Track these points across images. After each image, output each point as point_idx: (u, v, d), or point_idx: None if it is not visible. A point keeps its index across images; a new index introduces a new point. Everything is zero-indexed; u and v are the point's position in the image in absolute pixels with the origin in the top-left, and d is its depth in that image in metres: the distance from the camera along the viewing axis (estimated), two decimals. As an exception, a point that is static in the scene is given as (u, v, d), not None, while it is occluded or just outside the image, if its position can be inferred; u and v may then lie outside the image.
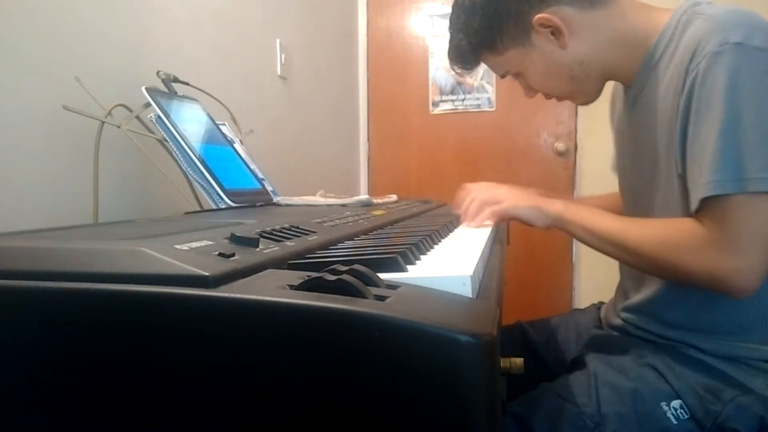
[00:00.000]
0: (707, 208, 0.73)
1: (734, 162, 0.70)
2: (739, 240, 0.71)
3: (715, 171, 0.71)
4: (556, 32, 0.87)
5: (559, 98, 0.97)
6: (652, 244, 0.78)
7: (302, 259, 0.51)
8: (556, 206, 0.87)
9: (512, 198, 0.91)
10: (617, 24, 0.86)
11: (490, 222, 0.91)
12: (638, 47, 0.86)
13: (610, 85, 1.01)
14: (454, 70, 1.01)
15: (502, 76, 0.98)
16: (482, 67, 1.00)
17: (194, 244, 0.45)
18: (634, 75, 0.88)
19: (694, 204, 0.74)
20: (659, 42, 0.83)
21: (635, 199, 0.95)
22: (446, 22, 0.98)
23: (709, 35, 0.73)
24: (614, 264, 0.98)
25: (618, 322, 0.97)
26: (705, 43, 0.73)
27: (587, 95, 0.94)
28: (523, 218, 0.89)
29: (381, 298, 0.36)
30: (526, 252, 2.47)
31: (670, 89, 0.80)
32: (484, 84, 2.60)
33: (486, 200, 0.91)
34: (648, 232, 0.79)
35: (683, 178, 0.78)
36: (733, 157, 0.70)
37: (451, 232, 0.85)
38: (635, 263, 0.83)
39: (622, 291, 1.01)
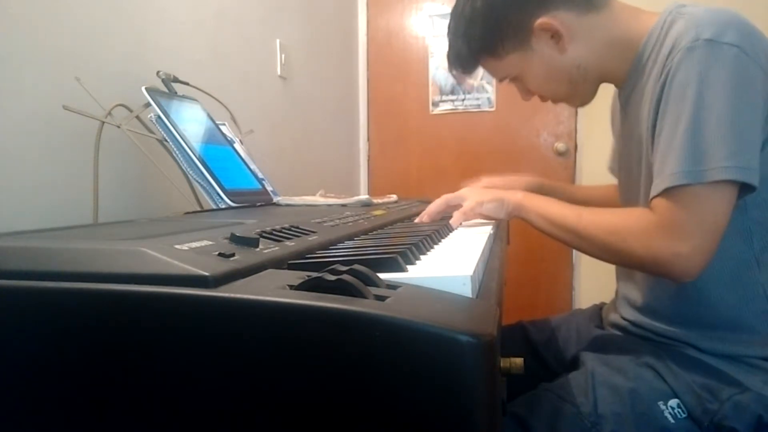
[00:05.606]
0: (667, 196, 0.75)
1: (698, 153, 0.72)
2: (685, 226, 0.73)
3: (680, 162, 0.73)
4: (555, 36, 0.90)
5: (555, 101, 0.99)
6: (602, 228, 0.81)
7: (302, 259, 0.51)
8: (516, 195, 0.91)
9: (475, 195, 0.94)
10: (611, 28, 0.89)
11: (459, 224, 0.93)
12: (629, 50, 0.88)
13: (611, 91, 1.02)
14: (452, 74, 1.03)
15: (501, 80, 1.00)
16: (482, 68, 1.01)
17: (194, 244, 0.45)
18: (626, 77, 0.90)
19: (654, 191, 0.76)
20: (647, 44, 0.86)
21: (628, 196, 0.96)
22: (446, 22, 0.99)
23: (685, 33, 0.76)
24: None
25: (618, 321, 0.97)
26: (680, 40, 0.76)
27: (583, 98, 0.97)
28: (486, 213, 0.93)
29: (381, 298, 0.36)
30: (526, 252, 2.47)
31: (653, 88, 0.82)
32: (484, 84, 2.59)
33: (449, 199, 0.96)
34: (599, 218, 0.82)
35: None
36: (697, 149, 0.72)
37: (451, 232, 0.85)
38: (587, 248, 0.85)
39: (618, 290, 1.01)
